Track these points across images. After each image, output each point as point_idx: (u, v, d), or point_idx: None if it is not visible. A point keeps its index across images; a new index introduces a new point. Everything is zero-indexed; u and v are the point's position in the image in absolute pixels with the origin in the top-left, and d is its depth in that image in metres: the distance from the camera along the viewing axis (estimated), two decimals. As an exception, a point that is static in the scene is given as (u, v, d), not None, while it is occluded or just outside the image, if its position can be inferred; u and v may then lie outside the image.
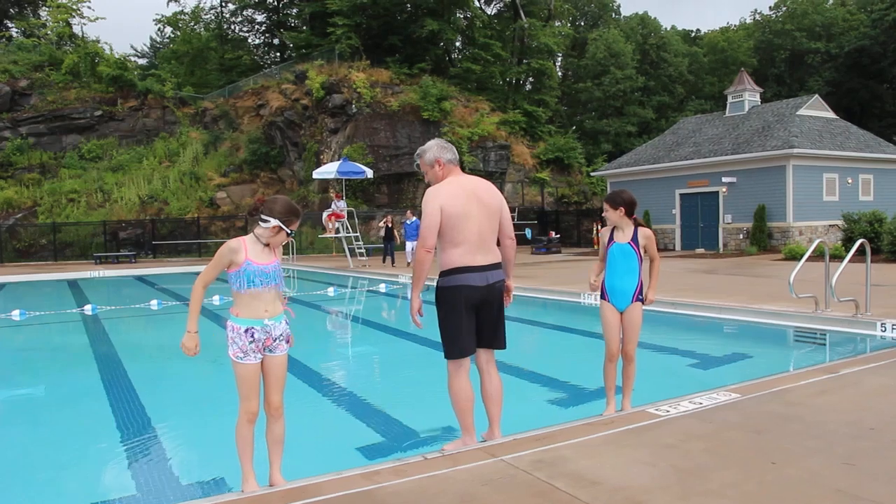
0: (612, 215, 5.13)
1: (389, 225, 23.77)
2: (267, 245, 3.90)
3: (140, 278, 23.27)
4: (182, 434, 5.62)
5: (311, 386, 7.05)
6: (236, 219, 35.14)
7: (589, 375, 6.91)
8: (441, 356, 4.40)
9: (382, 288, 17.52)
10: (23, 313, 13.45)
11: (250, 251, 3.84)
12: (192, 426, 5.88)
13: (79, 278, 23.41)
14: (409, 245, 21.94)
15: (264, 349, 3.93)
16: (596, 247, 30.54)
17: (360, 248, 24.65)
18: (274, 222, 3.83)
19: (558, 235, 30.93)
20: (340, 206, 23.95)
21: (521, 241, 31.77)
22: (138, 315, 13.81)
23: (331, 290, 16.68)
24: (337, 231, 24.12)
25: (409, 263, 21.61)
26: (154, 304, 14.82)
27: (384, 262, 23.43)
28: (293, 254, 27.77)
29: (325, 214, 24.50)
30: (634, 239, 5.13)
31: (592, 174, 37.65)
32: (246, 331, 3.85)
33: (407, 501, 3.48)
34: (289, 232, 3.89)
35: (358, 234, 25.11)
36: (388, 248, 23.74)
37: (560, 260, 23.98)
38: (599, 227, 30.78)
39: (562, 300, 13.33)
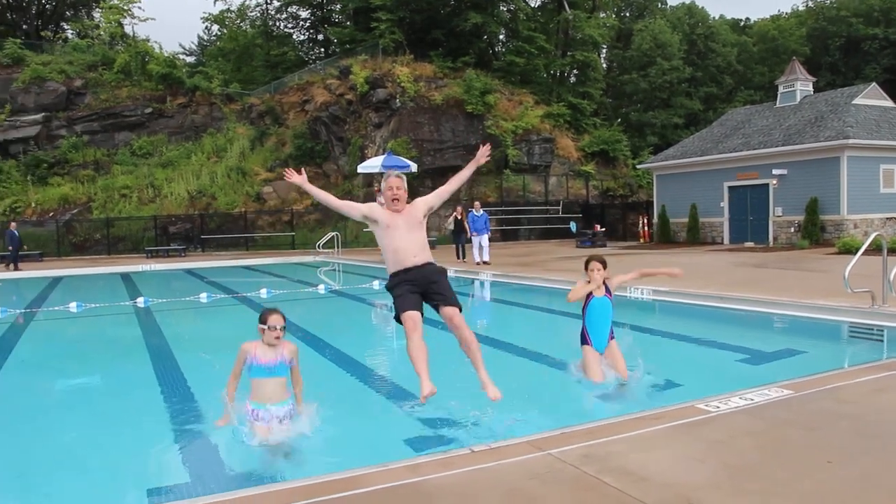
0: (604, 273, 6.03)
1: (459, 217, 22.09)
2: (271, 345, 4.90)
3: (189, 272, 23.50)
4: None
5: (358, 378, 7.06)
6: (282, 213, 35.52)
7: (633, 368, 6.68)
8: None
9: None
10: (79, 305, 13.80)
11: (258, 351, 4.89)
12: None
13: (131, 271, 23.82)
14: (476, 240, 20.21)
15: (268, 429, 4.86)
16: (642, 240, 30.20)
17: None
18: (259, 328, 4.95)
19: (603, 229, 30.43)
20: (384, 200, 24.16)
21: (565, 234, 31.74)
22: (188, 307, 14.08)
23: (375, 284, 16.64)
24: None
25: (479, 262, 19.84)
26: (203, 296, 15.02)
27: (458, 257, 21.45)
28: (338, 248, 27.88)
29: None
30: (608, 290, 6.16)
31: (638, 167, 37.21)
32: (252, 411, 4.86)
33: (452, 494, 3.44)
34: (268, 327, 4.86)
35: None
36: (459, 241, 22.13)
37: (605, 254, 23.15)
38: (646, 220, 30.59)
39: None
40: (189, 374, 7.40)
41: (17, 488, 4.42)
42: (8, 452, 5.16)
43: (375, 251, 28.45)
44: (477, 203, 21.75)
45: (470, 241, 20.84)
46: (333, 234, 28.14)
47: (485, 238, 20.06)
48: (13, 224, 26.71)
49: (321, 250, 27.81)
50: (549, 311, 12.59)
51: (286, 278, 20.05)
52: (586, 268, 6.21)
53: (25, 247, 26.79)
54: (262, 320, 4.99)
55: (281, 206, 36.00)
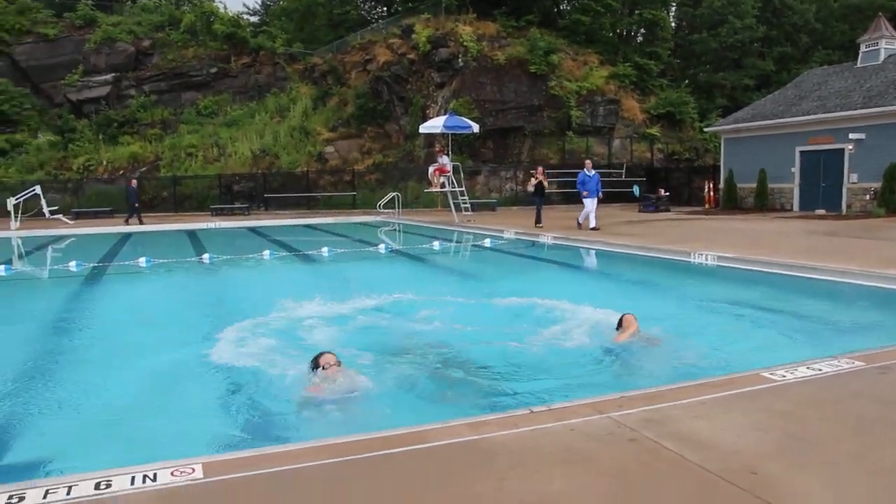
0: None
1: (539, 178, 21.11)
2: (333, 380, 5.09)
3: (253, 230, 23.83)
4: (288, 370, 5.79)
5: (418, 337, 7.07)
6: (344, 173, 35.53)
7: (698, 335, 6.81)
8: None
9: (487, 242, 17.27)
10: (148, 261, 14.20)
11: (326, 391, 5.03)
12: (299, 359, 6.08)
13: (197, 229, 23.93)
14: (589, 202, 18.47)
15: None
16: (707, 206, 29.27)
17: (466, 203, 24.43)
18: (313, 372, 5.17)
19: (667, 193, 29.61)
20: (445, 161, 23.74)
21: (628, 198, 30.71)
22: (251, 265, 14.31)
23: (435, 244, 16.68)
24: (442, 186, 24.12)
25: (593, 227, 18.11)
26: (266, 254, 15.28)
27: (537, 223, 20.26)
28: (399, 208, 27.71)
29: (430, 169, 24.42)
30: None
31: (706, 130, 36.00)
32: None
33: (511, 452, 3.47)
34: (325, 365, 5.11)
35: (463, 188, 24.99)
36: (538, 205, 20.97)
37: (669, 218, 23.20)
38: (711, 185, 29.70)
39: (671, 259, 12.93)
40: (246, 326, 7.47)
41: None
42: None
43: (435, 212, 28.72)
44: (588, 161, 20.23)
45: (541, 207, 20.51)
46: (394, 194, 28.10)
47: (595, 202, 18.64)
48: (133, 181, 27.57)
49: (382, 210, 27.69)
50: (608, 275, 12.48)
51: (347, 237, 20.18)
52: (620, 324, 6.43)
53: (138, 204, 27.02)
54: (315, 364, 5.26)
55: (342, 166, 36.01)
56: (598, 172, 19.62)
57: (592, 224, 18.31)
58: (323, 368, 5.16)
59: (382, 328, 7.56)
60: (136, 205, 26.21)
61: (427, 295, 9.33)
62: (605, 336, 6.62)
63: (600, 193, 18.88)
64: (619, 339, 6.41)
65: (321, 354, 5.32)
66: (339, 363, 5.22)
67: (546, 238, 17.12)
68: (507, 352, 6.35)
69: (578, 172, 19.65)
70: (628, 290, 10.49)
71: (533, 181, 21.35)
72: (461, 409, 4.80)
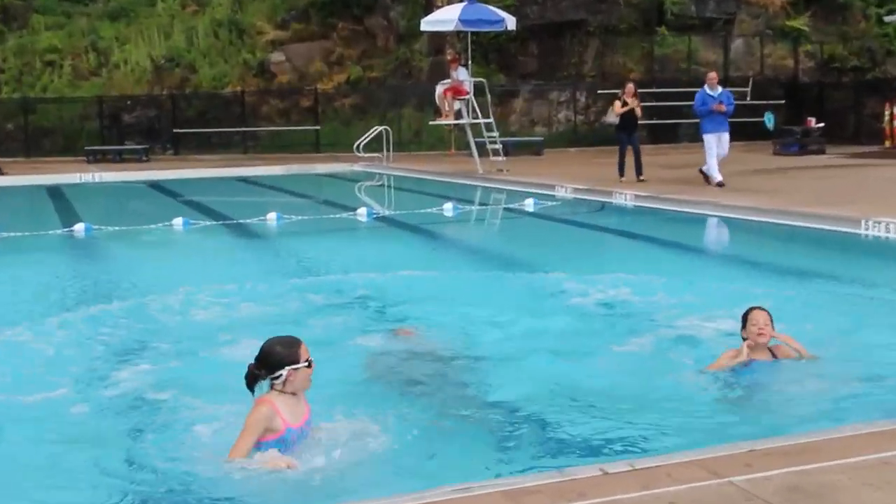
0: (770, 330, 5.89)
1: (630, 101, 18.00)
2: (294, 394, 4.42)
3: (155, 185, 21.52)
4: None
5: (422, 358, 6.60)
6: (301, 96, 31.33)
7: (870, 352, 6.27)
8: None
9: (529, 205, 15.45)
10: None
11: (284, 412, 4.33)
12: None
13: (64, 183, 21.23)
14: (714, 139, 16.24)
15: None
16: (888, 144, 25.94)
17: (495, 144, 20.97)
18: (287, 371, 4.31)
19: (821, 124, 26.15)
20: (462, 76, 20.90)
21: (756, 133, 27.09)
22: (152, 242, 13.06)
23: (448, 208, 15.10)
24: (458, 116, 20.85)
25: (718, 183, 16.10)
26: (178, 223, 14.02)
27: (620, 173, 17.90)
28: (388, 150, 24.91)
29: (439, 89, 21.22)
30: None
31: (887, 20, 31.32)
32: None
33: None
34: (308, 363, 4.36)
35: (491, 120, 21.01)
36: (624, 145, 18.01)
37: (822, 165, 20.47)
38: (895, 109, 25.55)
39: (827, 230, 11.62)
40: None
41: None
42: None
43: (447, 158, 26.10)
44: (713, 74, 17.48)
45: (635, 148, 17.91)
46: (381, 129, 25.02)
47: (727, 137, 16.58)
48: None
49: (362, 155, 25.02)
50: (722, 256, 11.69)
51: (307, 198, 18.59)
52: (744, 323, 5.98)
53: None
54: (292, 357, 4.44)
55: (298, 85, 31.88)
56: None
57: (717, 177, 16.22)
58: (304, 367, 4.44)
59: (364, 344, 7.05)
60: None
61: (434, 290, 8.60)
62: (716, 350, 6.19)
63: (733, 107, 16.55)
64: (729, 363, 5.99)
65: (298, 343, 4.52)
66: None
67: (625, 197, 15.74)
68: (564, 377, 6.02)
69: (696, 91, 17.52)
70: (752, 279, 9.64)
71: (618, 107, 18.34)
72: (493, 464, 4.49)
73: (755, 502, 3.43)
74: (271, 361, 4.36)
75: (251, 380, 4.34)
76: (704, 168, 16.52)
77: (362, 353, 6.86)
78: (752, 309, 6.11)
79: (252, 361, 4.44)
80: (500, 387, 5.97)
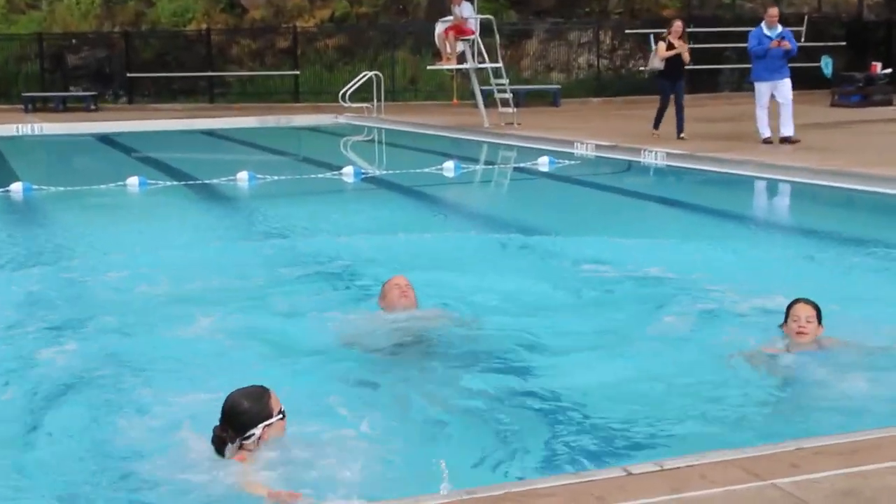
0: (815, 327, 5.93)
1: (676, 43, 17.29)
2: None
3: (106, 138, 21.14)
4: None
5: (420, 346, 6.46)
6: (277, 35, 30.97)
7: None
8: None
9: (544, 164, 15.34)
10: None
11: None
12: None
13: None
14: (767, 88, 15.85)
15: None
16: None
17: (505, 93, 20.29)
18: (260, 429, 4.17)
19: (888, 70, 25.97)
20: (466, 12, 20.31)
21: (811, 81, 26.45)
22: (104, 205, 12.90)
23: (448, 167, 15.00)
24: (461, 59, 20.76)
25: (766, 139, 16.13)
26: (134, 183, 13.89)
27: (655, 127, 17.56)
28: (380, 100, 24.70)
29: (439, 28, 20.58)
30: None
31: None
32: None
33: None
34: (282, 414, 4.25)
35: (500, 64, 20.45)
36: (667, 94, 17.44)
37: (889, 118, 20.04)
38: None
39: (893, 195, 11.43)
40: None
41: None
42: None
43: (448, 109, 25.93)
44: (774, 10, 16.58)
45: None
46: (370, 75, 24.75)
47: (787, 84, 15.89)
48: None
49: (349, 105, 24.94)
50: (766, 224, 11.54)
51: (284, 154, 18.50)
52: (787, 315, 5.97)
53: None
54: (265, 412, 4.35)
55: (273, 22, 31.55)
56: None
57: (765, 132, 15.91)
58: (280, 419, 4.35)
59: (349, 320, 7.05)
60: None
61: (432, 261, 8.39)
62: (755, 337, 6.26)
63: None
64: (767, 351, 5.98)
65: (268, 393, 4.38)
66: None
67: (655, 156, 15.57)
68: (581, 361, 6.05)
69: (742, 32, 17.02)
70: (804, 252, 9.69)
71: (663, 49, 17.43)
72: (501, 464, 4.47)
73: (804, 508, 3.12)
74: (241, 421, 4.21)
75: (218, 444, 4.17)
76: (762, 127, 16.10)
77: (346, 331, 6.92)
78: (795, 301, 6.07)
79: (216, 424, 4.30)
80: (506, 371, 5.98)
